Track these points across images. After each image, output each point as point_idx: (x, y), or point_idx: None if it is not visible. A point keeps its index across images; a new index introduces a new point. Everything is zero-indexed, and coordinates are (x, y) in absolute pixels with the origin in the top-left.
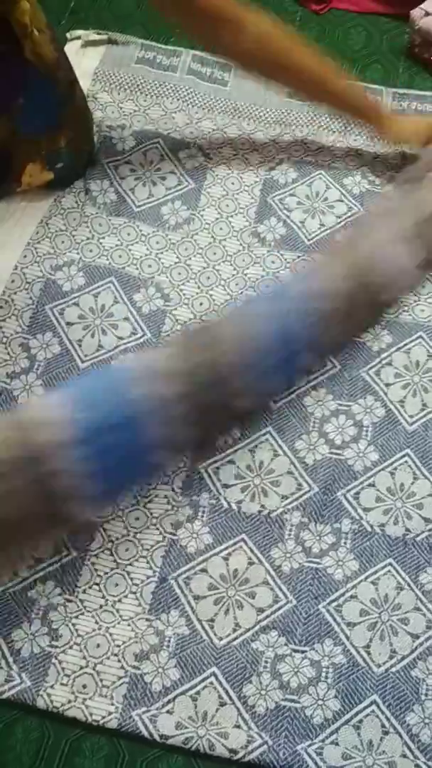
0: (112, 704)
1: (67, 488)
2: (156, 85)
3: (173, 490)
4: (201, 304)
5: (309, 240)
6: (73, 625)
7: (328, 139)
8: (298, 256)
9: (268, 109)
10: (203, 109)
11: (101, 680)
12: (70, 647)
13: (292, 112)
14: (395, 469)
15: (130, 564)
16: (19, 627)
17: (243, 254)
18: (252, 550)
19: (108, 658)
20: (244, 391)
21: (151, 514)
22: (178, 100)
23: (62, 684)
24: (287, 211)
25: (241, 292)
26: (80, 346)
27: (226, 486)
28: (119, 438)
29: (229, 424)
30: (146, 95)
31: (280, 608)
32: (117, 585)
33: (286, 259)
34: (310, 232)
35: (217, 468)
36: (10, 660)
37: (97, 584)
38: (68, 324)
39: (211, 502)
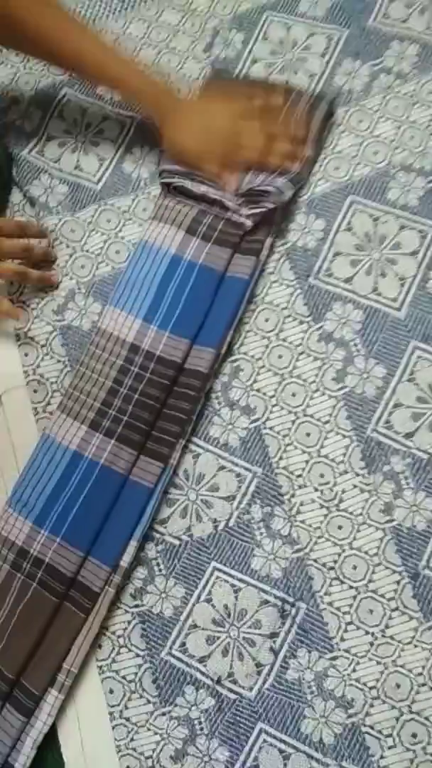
0: None
1: (59, 562)
2: None
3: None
4: None
5: None
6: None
7: None
8: None
9: None
10: None
11: None
12: None
13: None
14: (414, 371)
15: (114, 661)
16: None
17: None
18: (230, 575)
19: None
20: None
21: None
22: None
23: None
24: None
25: None
26: None
27: (163, 522)
28: (69, 487)
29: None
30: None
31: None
32: (112, 692)
33: None
34: None
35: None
36: None
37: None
38: None
39: (159, 549)
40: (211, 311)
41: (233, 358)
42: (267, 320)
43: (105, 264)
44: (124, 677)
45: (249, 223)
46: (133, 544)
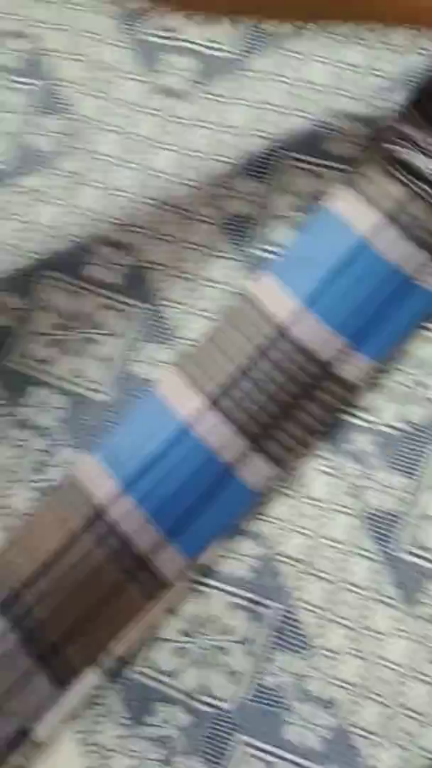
0: None
1: (136, 536)
2: None
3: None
4: None
5: None
6: None
7: None
8: None
9: None
10: None
11: None
12: None
13: None
14: None
15: None
16: None
17: None
18: (195, 580)
19: None
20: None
21: None
22: None
23: None
24: None
25: None
26: None
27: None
28: (168, 461)
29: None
30: None
31: None
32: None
33: None
34: None
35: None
36: None
37: None
38: None
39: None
40: (384, 318)
41: None
42: None
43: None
44: (91, 700)
45: None
46: (218, 545)
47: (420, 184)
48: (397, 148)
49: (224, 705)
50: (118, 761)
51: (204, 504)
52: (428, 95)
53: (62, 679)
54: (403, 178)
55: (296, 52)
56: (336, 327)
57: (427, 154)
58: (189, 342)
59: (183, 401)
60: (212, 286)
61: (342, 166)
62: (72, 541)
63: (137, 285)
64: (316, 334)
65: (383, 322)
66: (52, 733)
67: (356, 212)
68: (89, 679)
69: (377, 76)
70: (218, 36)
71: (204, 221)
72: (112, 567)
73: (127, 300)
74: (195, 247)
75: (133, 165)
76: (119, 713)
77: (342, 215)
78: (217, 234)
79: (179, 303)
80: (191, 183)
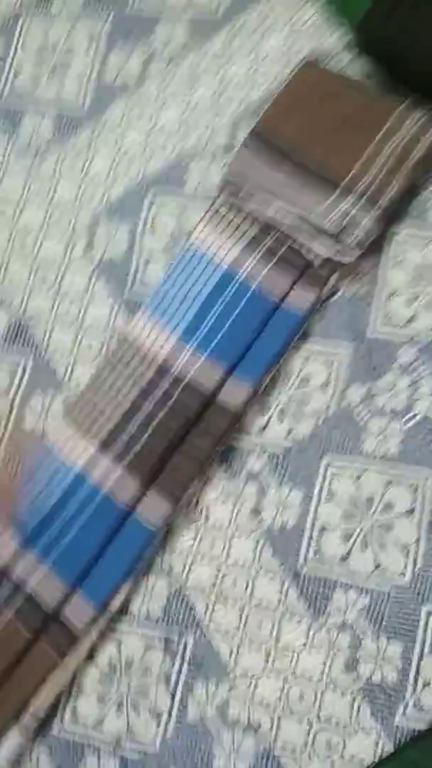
0: None
1: (42, 591)
2: None
3: None
4: None
5: None
6: None
7: None
8: None
9: None
10: None
11: None
12: None
13: None
14: None
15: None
16: None
17: None
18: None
19: None
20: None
21: None
22: None
23: None
24: None
25: None
26: None
27: None
28: (67, 511)
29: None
30: None
31: None
32: None
33: None
34: None
35: None
36: None
37: None
38: None
39: None
40: (256, 343)
41: None
42: None
43: None
44: (17, 762)
45: (323, 255)
46: (126, 586)
47: (267, 218)
48: (237, 196)
49: (150, 749)
50: None
51: (106, 547)
52: (263, 127)
53: None
54: (253, 214)
55: (150, 96)
56: (214, 356)
57: (267, 192)
58: (77, 388)
59: (75, 450)
60: (95, 330)
61: (202, 203)
62: None
63: (22, 339)
64: (196, 367)
65: (257, 346)
66: None
67: (218, 247)
68: (14, 743)
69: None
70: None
71: (79, 270)
72: (20, 626)
73: (13, 356)
74: (74, 293)
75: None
76: None
77: (206, 250)
78: (94, 278)
79: (65, 352)
80: (64, 234)
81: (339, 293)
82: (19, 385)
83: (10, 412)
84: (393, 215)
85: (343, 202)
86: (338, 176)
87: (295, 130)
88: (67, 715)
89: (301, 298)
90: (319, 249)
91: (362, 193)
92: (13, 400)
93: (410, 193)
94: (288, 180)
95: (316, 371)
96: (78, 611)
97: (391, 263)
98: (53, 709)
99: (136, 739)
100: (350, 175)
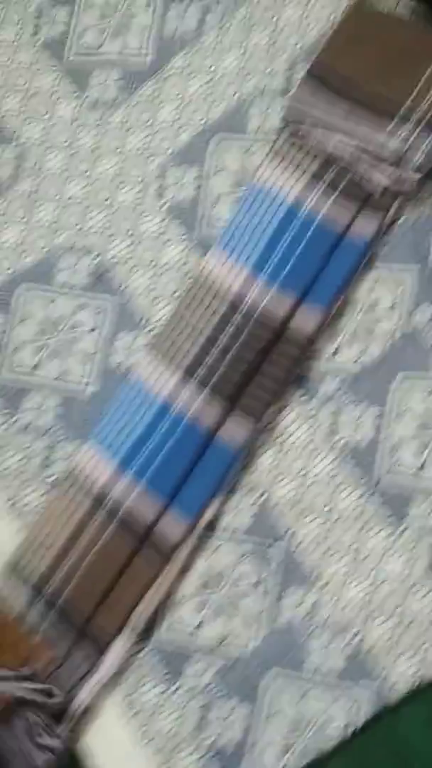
0: None
1: (138, 509)
2: None
3: None
4: None
5: None
6: None
7: None
8: None
9: None
10: None
11: None
12: None
13: None
14: None
15: None
16: None
17: None
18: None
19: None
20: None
21: None
22: None
23: None
24: None
25: None
26: None
27: None
28: (156, 436)
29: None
30: None
31: None
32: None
33: None
34: None
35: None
36: None
37: None
38: None
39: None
40: (325, 270)
41: None
42: None
43: None
44: (127, 667)
45: (383, 184)
46: (216, 501)
47: (327, 152)
48: (302, 124)
49: (250, 647)
50: (163, 717)
51: (193, 468)
52: (319, 67)
53: (99, 647)
54: (315, 147)
55: (209, 46)
56: (284, 287)
57: (326, 128)
58: (158, 325)
59: (160, 380)
60: (170, 270)
61: (266, 139)
62: (82, 525)
63: (105, 282)
64: (267, 298)
65: (325, 274)
66: (97, 699)
67: (282, 183)
68: (123, 644)
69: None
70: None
71: (153, 212)
72: (122, 541)
73: (98, 297)
74: (150, 237)
75: (81, 175)
76: (158, 672)
77: (271, 187)
78: (166, 221)
79: (145, 291)
80: (135, 180)
81: (401, 219)
82: (103, 326)
83: (96, 351)
84: None
85: (401, 130)
86: (395, 106)
87: (350, 67)
88: (167, 624)
89: (365, 227)
90: (380, 178)
91: (419, 120)
92: (100, 339)
93: None
94: (346, 114)
95: (382, 295)
96: (172, 527)
97: None
98: (154, 619)
99: (236, 638)
100: (406, 104)
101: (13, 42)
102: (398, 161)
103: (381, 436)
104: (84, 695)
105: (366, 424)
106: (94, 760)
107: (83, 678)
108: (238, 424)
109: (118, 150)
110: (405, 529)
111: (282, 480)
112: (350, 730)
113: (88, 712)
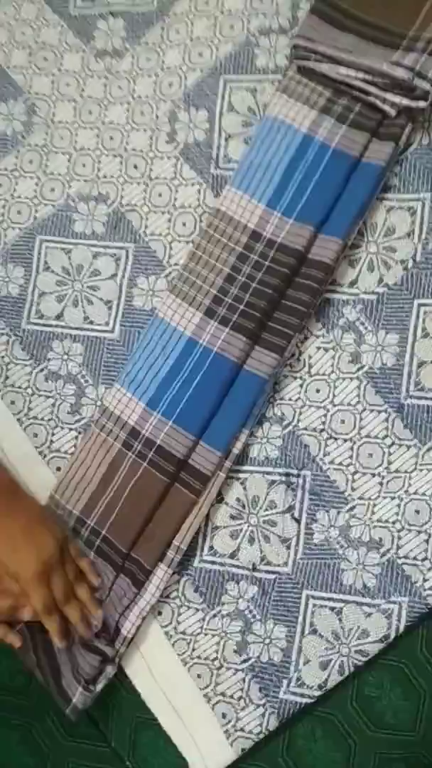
0: (258, 706)
1: (170, 444)
2: None
3: None
4: None
5: None
6: None
7: None
8: None
9: None
10: None
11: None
12: None
13: None
14: None
15: None
16: None
17: None
18: (233, 470)
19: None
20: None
21: None
22: None
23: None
24: None
25: None
26: None
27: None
28: (183, 372)
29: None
30: None
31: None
32: (161, 613)
33: None
34: None
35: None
36: None
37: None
38: None
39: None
40: (341, 199)
41: None
42: None
43: (11, 228)
44: (167, 596)
45: (392, 111)
46: (245, 432)
47: (336, 84)
48: (309, 60)
49: (283, 569)
50: (203, 643)
51: (222, 400)
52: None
53: (139, 579)
54: (323, 80)
55: None
56: (301, 218)
57: (332, 60)
58: (176, 268)
59: (185, 318)
60: (186, 213)
61: (274, 77)
62: (116, 463)
63: (122, 228)
64: (285, 230)
65: (342, 201)
66: (140, 628)
67: (294, 114)
68: (162, 575)
69: None
70: None
71: (165, 157)
72: (156, 475)
73: (115, 243)
74: (163, 181)
75: (92, 124)
76: (195, 600)
77: (284, 118)
78: (179, 164)
79: (162, 234)
80: (146, 126)
81: (415, 144)
82: (125, 270)
83: (118, 297)
84: None
85: (412, 51)
86: (403, 30)
87: (352, 1)
88: (205, 550)
89: (380, 151)
90: (393, 98)
91: (429, 40)
92: (121, 284)
93: None
94: (356, 40)
95: (400, 220)
96: (205, 458)
97: None
98: (193, 545)
99: (269, 563)
100: (410, 34)
101: None
102: (410, 81)
103: (404, 358)
104: (129, 624)
105: (388, 348)
106: (138, 684)
107: (128, 607)
108: (263, 356)
109: (127, 97)
110: (430, 449)
111: (308, 407)
112: (385, 644)
113: (132, 639)
